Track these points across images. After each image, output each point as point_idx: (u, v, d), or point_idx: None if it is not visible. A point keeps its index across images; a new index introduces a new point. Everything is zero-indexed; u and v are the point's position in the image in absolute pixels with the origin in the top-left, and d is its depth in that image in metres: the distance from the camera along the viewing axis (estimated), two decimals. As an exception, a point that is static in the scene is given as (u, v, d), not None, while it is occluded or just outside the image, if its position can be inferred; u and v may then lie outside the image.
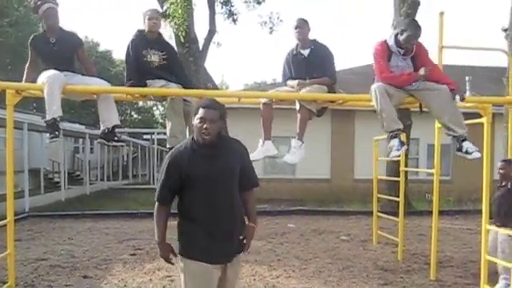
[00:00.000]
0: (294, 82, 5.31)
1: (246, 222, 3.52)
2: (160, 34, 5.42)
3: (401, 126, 5.00)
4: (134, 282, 6.38)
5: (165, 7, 12.80)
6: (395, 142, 4.92)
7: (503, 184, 6.00)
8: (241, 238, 3.43)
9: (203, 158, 3.28)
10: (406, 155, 9.89)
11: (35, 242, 9.20)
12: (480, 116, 5.37)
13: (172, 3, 12.51)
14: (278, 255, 7.93)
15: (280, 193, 16.14)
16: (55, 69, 4.83)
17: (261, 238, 9.53)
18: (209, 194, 3.26)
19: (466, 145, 4.84)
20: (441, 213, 6.71)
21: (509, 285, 5.71)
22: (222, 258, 3.34)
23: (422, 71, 4.81)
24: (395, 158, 5.62)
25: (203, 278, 3.30)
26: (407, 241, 8.57)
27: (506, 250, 5.69)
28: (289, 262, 7.47)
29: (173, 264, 3.52)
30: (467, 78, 6.27)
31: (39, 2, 4.97)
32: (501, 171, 5.97)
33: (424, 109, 5.14)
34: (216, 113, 3.27)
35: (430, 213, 7.01)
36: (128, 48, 5.17)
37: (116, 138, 5.07)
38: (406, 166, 8.58)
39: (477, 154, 4.82)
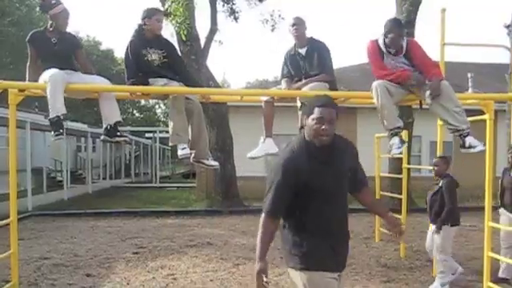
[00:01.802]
0: (289, 85, 5.32)
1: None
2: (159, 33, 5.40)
3: (401, 124, 5.01)
4: (137, 281, 6.39)
5: (166, 5, 12.79)
6: (396, 140, 4.93)
7: (437, 182, 6.06)
8: (390, 226, 3.33)
9: (321, 165, 2.96)
10: (409, 152, 9.90)
11: (38, 240, 9.22)
12: (482, 113, 5.36)
13: (173, 1, 12.50)
14: (281, 253, 7.94)
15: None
16: (58, 67, 4.82)
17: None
18: (328, 204, 2.98)
19: (469, 140, 4.78)
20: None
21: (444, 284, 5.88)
22: (339, 269, 3.11)
23: (417, 79, 4.78)
24: (396, 156, 5.63)
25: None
26: (409, 238, 8.57)
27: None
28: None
29: (266, 283, 2.92)
30: (469, 74, 6.26)
31: (54, 1, 4.93)
32: (435, 168, 6.01)
33: (424, 106, 5.12)
34: (334, 112, 2.97)
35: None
36: (127, 49, 5.13)
37: (119, 134, 5.07)
38: (408, 163, 8.59)
39: (481, 147, 4.78)
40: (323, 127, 2.91)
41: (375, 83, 4.88)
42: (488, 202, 5.21)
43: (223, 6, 16.75)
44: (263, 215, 3.01)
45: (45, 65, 4.91)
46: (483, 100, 5.39)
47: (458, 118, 4.74)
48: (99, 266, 7.20)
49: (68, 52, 5.12)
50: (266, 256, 3.00)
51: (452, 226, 5.91)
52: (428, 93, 4.64)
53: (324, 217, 2.98)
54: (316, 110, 2.95)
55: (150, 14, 5.17)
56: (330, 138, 2.96)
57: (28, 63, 5.05)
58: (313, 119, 2.94)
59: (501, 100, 5.94)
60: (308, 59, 5.27)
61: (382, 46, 4.87)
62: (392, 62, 4.91)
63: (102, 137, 5.17)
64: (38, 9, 34.47)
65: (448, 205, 5.80)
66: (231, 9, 16.91)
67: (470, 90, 6.14)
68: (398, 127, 4.94)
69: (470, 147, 4.79)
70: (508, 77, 10.98)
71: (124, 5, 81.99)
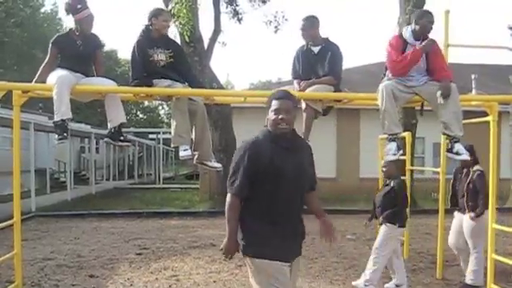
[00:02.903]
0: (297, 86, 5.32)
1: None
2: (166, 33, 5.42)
3: (400, 131, 5.08)
4: (140, 282, 6.40)
5: (170, 7, 12.81)
6: (393, 146, 5.00)
7: (387, 183, 6.03)
8: (323, 230, 3.43)
9: (283, 151, 3.18)
10: (412, 154, 9.87)
11: (42, 241, 9.24)
12: (486, 114, 5.35)
13: (177, 3, 12.52)
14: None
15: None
16: (73, 69, 4.87)
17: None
18: (285, 190, 3.15)
19: (458, 146, 4.89)
20: (447, 211, 6.66)
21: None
22: (291, 257, 3.27)
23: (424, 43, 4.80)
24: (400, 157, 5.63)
25: (278, 277, 3.18)
26: (413, 240, 8.56)
27: (387, 251, 5.85)
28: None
29: (229, 259, 3.35)
30: (473, 76, 6.24)
31: (79, 6, 4.98)
32: (383, 169, 6.01)
33: (427, 107, 5.13)
34: (290, 103, 3.23)
35: (436, 211, 6.98)
36: (134, 48, 5.16)
37: (122, 138, 5.09)
38: (411, 164, 8.56)
39: (465, 156, 4.90)
40: (280, 116, 3.15)
41: (382, 85, 4.89)
42: (492, 204, 5.20)
43: (226, 7, 16.78)
44: (230, 196, 3.21)
45: (63, 64, 4.95)
46: (487, 101, 5.38)
47: (458, 123, 4.82)
48: (102, 266, 7.21)
49: (91, 53, 5.21)
50: (236, 235, 3.22)
51: (399, 226, 5.91)
52: (439, 93, 4.67)
53: (280, 203, 3.16)
54: (274, 102, 3.23)
55: (157, 13, 5.21)
56: (289, 127, 3.21)
57: (44, 64, 5.07)
58: (271, 111, 3.21)
59: (505, 102, 5.93)
60: (319, 58, 5.25)
61: (407, 36, 4.90)
62: None
63: (105, 139, 5.20)
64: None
65: (401, 203, 5.87)
66: (235, 10, 16.93)
67: (473, 92, 6.12)
68: (397, 133, 4.98)
69: (457, 154, 4.90)
70: (512, 78, 10.95)
71: (128, 6, 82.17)
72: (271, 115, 3.20)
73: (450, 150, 4.95)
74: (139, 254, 8.06)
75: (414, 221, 10.22)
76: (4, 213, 6.94)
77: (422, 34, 4.87)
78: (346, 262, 7.50)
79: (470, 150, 6.18)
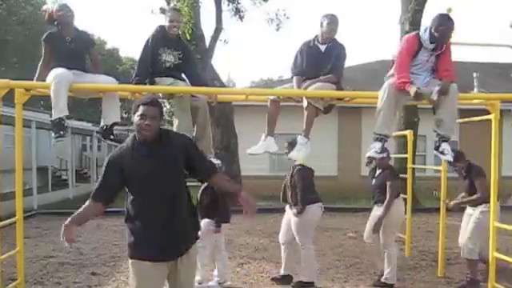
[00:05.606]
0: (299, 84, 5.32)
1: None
2: (179, 34, 5.43)
3: (389, 134, 5.06)
4: (142, 279, 6.40)
5: (171, 5, 12.81)
6: (378, 145, 5.00)
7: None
8: (243, 204, 3.47)
9: (144, 157, 3.28)
10: (414, 152, 9.87)
11: (44, 239, 9.26)
12: (488, 112, 5.35)
13: (178, 1, 12.53)
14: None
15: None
16: (67, 66, 4.86)
17: (268, 235, 9.55)
18: (148, 193, 3.28)
19: (444, 146, 4.89)
20: (448, 210, 6.68)
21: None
22: (163, 257, 3.33)
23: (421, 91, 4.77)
24: (401, 155, 5.59)
25: (144, 277, 3.31)
26: (415, 238, 8.56)
27: (207, 246, 5.87)
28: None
29: (70, 243, 3.36)
30: (475, 74, 6.25)
31: (51, 11, 5.04)
32: None
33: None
34: (156, 109, 3.28)
35: (438, 210, 7.01)
36: (147, 42, 5.14)
37: (112, 137, 5.08)
38: (413, 162, 8.57)
39: (449, 157, 4.91)
40: (145, 122, 3.21)
41: (387, 83, 4.88)
42: (493, 202, 5.20)
43: (228, 5, 16.75)
44: (88, 200, 3.44)
45: (58, 63, 4.94)
46: (489, 100, 5.37)
47: (451, 124, 4.84)
48: (104, 264, 7.23)
49: (81, 50, 5.19)
50: (75, 222, 3.34)
51: (222, 222, 5.94)
52: (437, 89, 4.65)
53: (148, 206, 3.30)
54: (140, 107, 3.26)
55: (166, 13, 5.30)
56: (153, 133, 3.25)
57: (40, 62, 5.09)
58: (137, 116, 3.25)
59: (506, 100, 5.92)
60: (325, 56, 5.24)
61: (424, 39, 4.83)
62: (425, 58, 4.90)
63: (96, 134, 5.22)
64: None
65: (217, 200, 5.89)
66: (236, 8, 16.91)
67: (475, 90, 6.14)
68: (385, 135, 4.98)
69: (442, 153, 4.91)
70: (514, 76, 10.94)
71: (130, 3, 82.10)
72: (136, 120, 3.25)
73: (436, 148, 4.96)
74: (141, 252, 8.06)
75: (416, 219, 10.21)
76: (6, 210, 6.94)
77: (440, 42, 4.79)
78: (348, 260, 7.51)
79: (293, 143, 6.16)
